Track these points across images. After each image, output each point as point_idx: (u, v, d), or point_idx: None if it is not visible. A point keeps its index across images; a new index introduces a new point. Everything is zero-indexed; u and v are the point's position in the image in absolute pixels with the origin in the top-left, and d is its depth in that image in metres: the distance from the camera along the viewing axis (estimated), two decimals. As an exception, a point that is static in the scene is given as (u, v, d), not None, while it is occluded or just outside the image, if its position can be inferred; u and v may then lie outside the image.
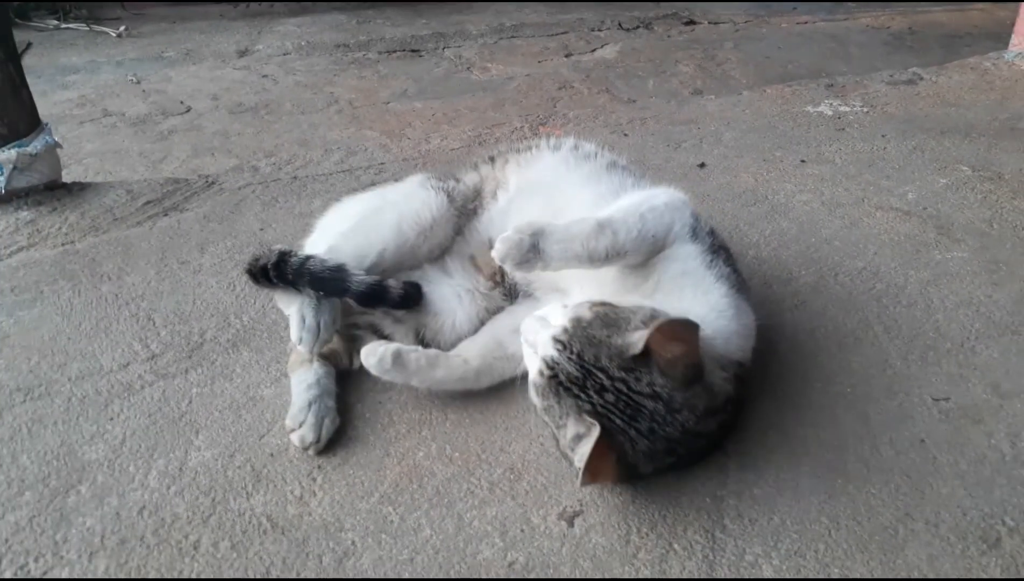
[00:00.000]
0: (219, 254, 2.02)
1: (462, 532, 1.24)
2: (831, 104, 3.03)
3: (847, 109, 2.98)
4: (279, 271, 1.50)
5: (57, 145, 2.27)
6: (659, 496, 1.29)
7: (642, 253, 1.35)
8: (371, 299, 1.52)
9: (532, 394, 1.27)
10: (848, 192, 2.28)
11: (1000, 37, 3.90)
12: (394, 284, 1.53)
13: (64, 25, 4.93)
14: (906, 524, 1.23)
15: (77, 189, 2.31)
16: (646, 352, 1.16)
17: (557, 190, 1.60)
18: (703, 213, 2.06)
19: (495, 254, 1.30)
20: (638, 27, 5.01)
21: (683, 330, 1.17)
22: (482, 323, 1.61)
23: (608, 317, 1.23)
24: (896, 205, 2.19)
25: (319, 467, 1.37)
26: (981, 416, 1.44)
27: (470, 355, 1.51)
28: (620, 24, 5.04)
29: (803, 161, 2.52)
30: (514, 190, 1.65)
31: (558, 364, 1.21)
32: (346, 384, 1.55)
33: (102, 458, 1.39)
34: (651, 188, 1.54)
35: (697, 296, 1.34)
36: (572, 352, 1.20)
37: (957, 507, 1.26)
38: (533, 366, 1.27)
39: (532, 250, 1.28)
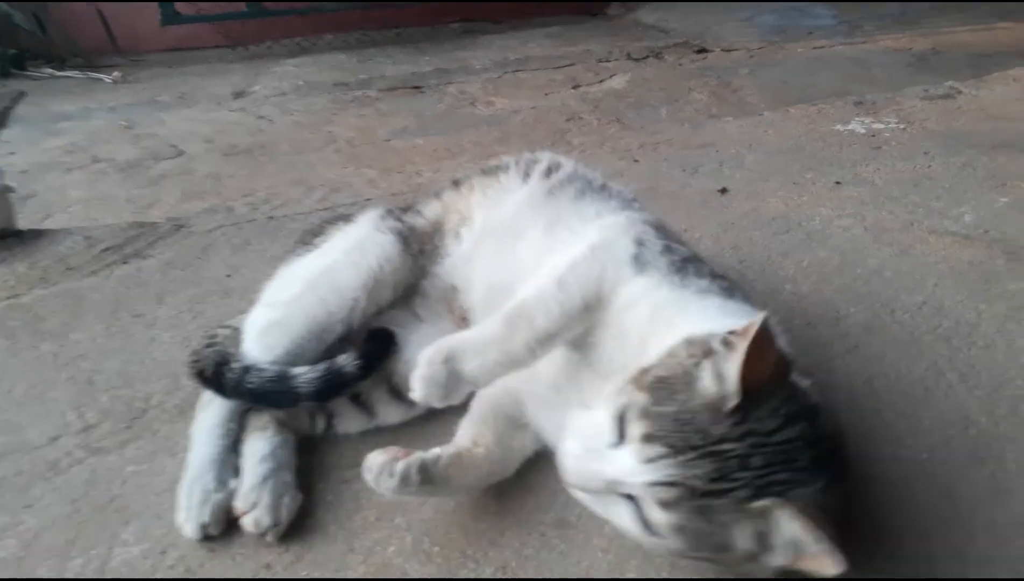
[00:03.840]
0: (178, 305, 1.78)
1: (438, 659, 0.96)
2: (863, 121, 2.77)
3: (881, 126, 2.72)
4: (218, 384, 1.28)
5: (8, 190, 2.06)
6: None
7: (577, 324, 1.13)
8: (328, 394, 1.28)
9: (665, 537, 0.91)
10: (894, 216, 2.01)
11: (1030, 55, 3.66)
12: (346, 360, 1.28)
13: (60, 73, 4.84)
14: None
15: (31, 237, 2.09)
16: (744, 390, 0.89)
17: (522, 240, 1.36)
18: (726, 244, 1.78)
19: (415, 397, 1.12)
20: (648, 57, 4.82)
21: (764, 336, 0.89)
22: None
23: (664, 380, 0.94)
24: (952, 229, 1.91)
25: (267, 566, 1.11)
26: (1099, 486, 1.15)
27: (487, 442, 1.22)
28: (629, 54, 4.86)
29: (838, 183, 2.26)
30: (480, 231, 1.41)
31: (676, 476, 0.88)
32: (304, 456, 1.29)
33: (10, 557, 1.14)
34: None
35: (688, 320, 1.05)
36: (677, 450, 0.88)
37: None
38: (629, 512, 0.93)
39: (452, 378, 1.11)
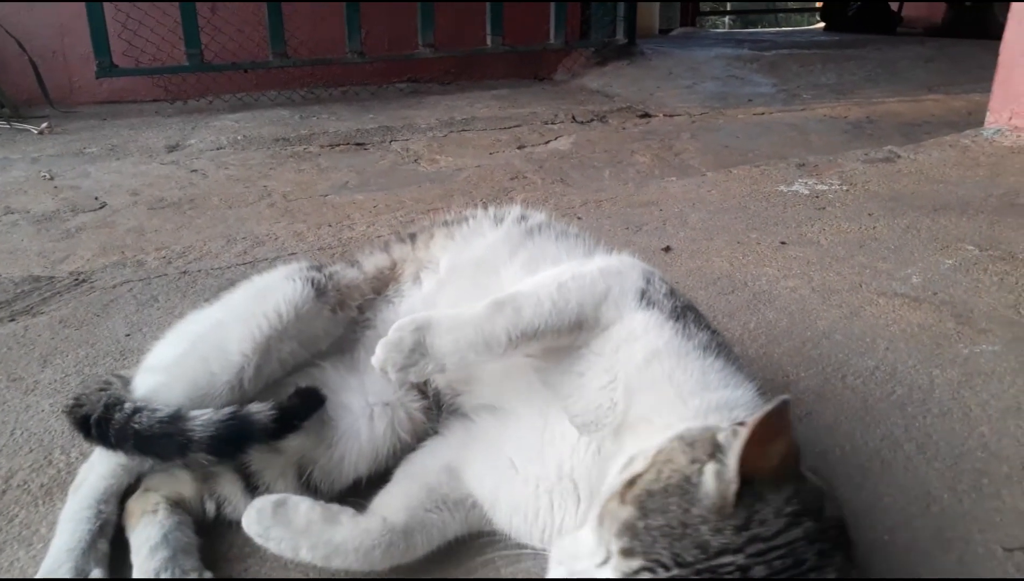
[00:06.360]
0: (65, 368, 1.59)
1: None
2: (806, 183, 2.77)
3: (824, 188, 2.71)
4: (101, 431, 1.08)
5: None
6: None
7: (563, 330, 1.05)
8: (228, 446, 1.08)
9: None
10: (841, 276, 1.96)
11: (957, 125, 3.78)
12: (259, 408, 1.09)
13: (-18, 123, 4.61)
14: None
15: (-96, 291, 1.88)
16: (745, 480, 0.78)
17: (497, 275, 1.25)
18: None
19: (374, 361, 1.03)
20: (592, 120, 4.86)
21: (778, 418, 0.79)
22: (388, 460, 1.19)
23: (655, 493, 0.82)
24: (900, 290, 1.86)
25: None
26: (1073, 571, 1.05)
27: (390, 510, 1.07)
28: (574, 117, 4.90)
29: (783, 243, 2.21)
30: (445, 272, 1.28)
31: None
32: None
33: None
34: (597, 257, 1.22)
35: (686, 381, 0.97)
36: (670, 566, 0.77)
37: None
38: None
39: (417, 349, 1.01)
